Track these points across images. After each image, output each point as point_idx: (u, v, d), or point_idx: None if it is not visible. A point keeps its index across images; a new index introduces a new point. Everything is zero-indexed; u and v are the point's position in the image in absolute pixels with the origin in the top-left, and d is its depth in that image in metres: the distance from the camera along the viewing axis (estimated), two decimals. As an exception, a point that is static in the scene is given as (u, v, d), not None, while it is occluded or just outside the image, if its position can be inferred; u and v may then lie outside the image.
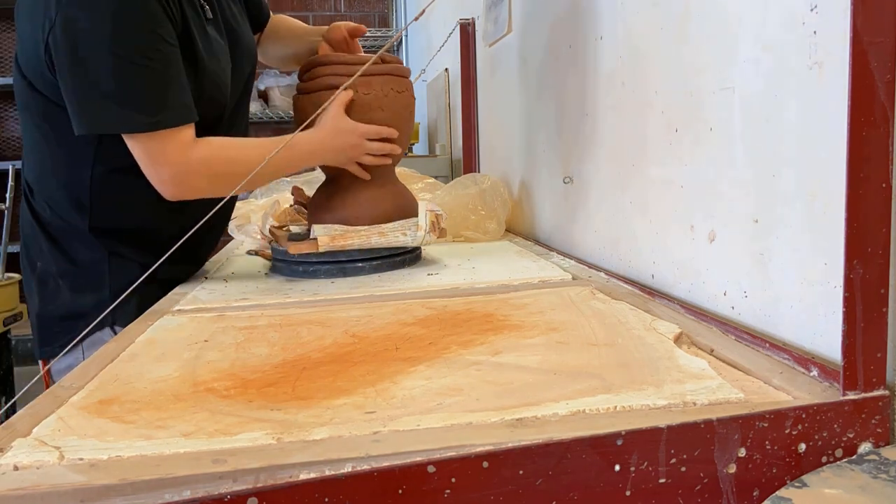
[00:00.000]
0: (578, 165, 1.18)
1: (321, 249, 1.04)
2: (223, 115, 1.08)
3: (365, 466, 0.43)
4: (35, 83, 0.97)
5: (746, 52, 0.70)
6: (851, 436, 0.50)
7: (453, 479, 0.44)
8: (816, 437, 0.49)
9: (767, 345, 0.63)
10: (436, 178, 1.67)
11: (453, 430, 0.48)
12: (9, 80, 3.35)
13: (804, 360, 0.58)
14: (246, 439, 0.48)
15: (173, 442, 0.48)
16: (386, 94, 1.07)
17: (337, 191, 1.13)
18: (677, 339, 0.67)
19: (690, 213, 0.82)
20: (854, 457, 0.50)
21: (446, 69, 2.35)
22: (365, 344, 0.69)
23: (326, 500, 0.43)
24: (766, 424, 0.48)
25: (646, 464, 0.47)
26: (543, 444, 0.45)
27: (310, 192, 1.23)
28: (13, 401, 0.95)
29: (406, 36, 3.84)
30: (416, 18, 1.01)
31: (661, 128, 0.88)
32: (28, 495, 0.42)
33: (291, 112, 1.54)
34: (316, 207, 1.14)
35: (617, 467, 0.47)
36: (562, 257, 1.18)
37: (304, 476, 0.43)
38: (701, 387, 0.54)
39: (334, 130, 1.03)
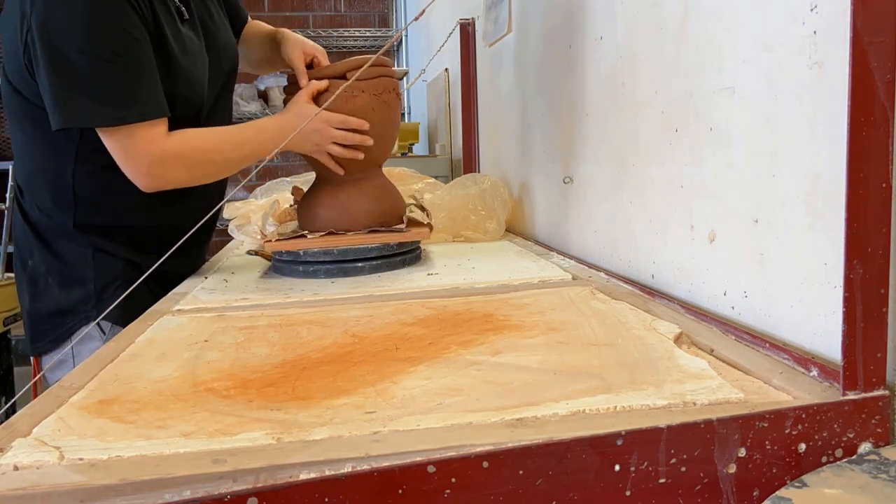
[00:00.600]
0: (578, 165, 1.18)
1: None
2: (200, 112, 1.09)
3: (365, 466, 0.43)
4: (17, 86, 1.00)
5: (746, 52, 0.70)
6: (851, 436, 0.50)
7: (453, 479, 0.44)
8: (816, 437, 0.49)
9: (767, 345, 0.63)
10: (436, 178, 1.67)
11: (453, 430, 0.48)
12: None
13: (804, 360, 0.58)
14: (246, 439, 0.48)
15: (173, 442, 0.48)
16: (357, 96, 1.07)
17: (324, 190, 1.14)
18: (677, 339, 0.67)
19: (690, 213, 0.82)
20: (854, 457, 0.50)
21: (446, 69, 2.35)
22: (365, 344, 0.69)
23: (326, 500, 0.43)
24: (766, 424, 0.48)
25: (646, 464, 0.47)
26: (543, 444, 0.45)
27: (309, 192, 1.23)
28: (13, 401, 0.96)
29: (406, 36, 3.84)
30: (416, 18, 1.01)
31: (661, 128, 0.88)
32: (28, 495, 0.42)
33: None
34: (304, 206, 1.16)
35: (617, 467, 0.47)
36: (562, 257, 1.18)
37: (304, 476, 0.43)
38: (701, 387, 0.54)
39: (298, 114, 1.05)
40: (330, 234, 1.09)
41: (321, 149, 1.08)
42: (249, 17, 1.36)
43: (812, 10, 0.60)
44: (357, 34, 3.82)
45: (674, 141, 0.85)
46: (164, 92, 0.99)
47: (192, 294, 0.99)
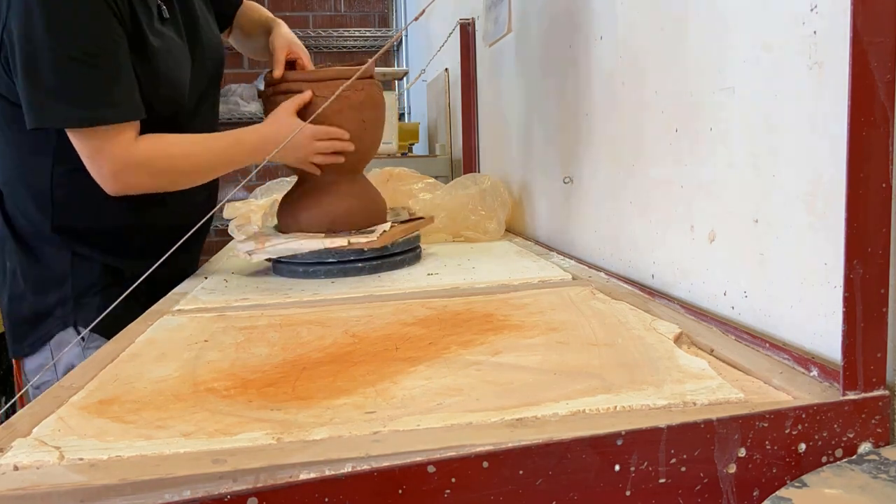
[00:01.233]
0: (578, 165, 1.18)
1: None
2: (181, 112, 1.08)
3: (365, 466, 0.43)
4: None
5: (746, 52, 0.70)
6: (851, 436, 0.50)
7: (453, 479, 0.44)
8: (816, 437, 0.49)
9: (767, 345, 0.63)
10: (436, 178, 1.67)
11: (453, 430, 0.48)
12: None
13: (804, 360, 0.58)
14: (246, 439, 0.48)
15: (173, 442, 0.48)
16: (340, 106, 1.04)
17: (304, 191, 1.14)
18: (677, 339, 0.67)
19: (690, 213, 0.82)
20: (854, 457, 0.50)
21: (446, 69, 2.35)
22: (365, 344, 0.69)
23: (326, 500, 0.43)
24: (766, 424, 0.48)
25: (646, 464, 0.47)
26: (543, 444, 0.45)
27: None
28: (13, 401, 0.96)
29: (406, 36, 3.84)
30: (416, 18, 1.01)
31: (661, 128, 0.88)
32: (28, 495, 0.42)
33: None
34: (284, 206, 1.16)
35: (617, 467, 0.47)
36: (562, 257, 1.18)
37: (304, 476, 0.43)
38: (701, 387, 0.54)
39: (280, 125, 1.04)
40: (294, 238, 1.08)
41: (305, 161, 1.08)
42: (245, 0, 1.33)
43: (812, 10, 0.60)
44: (357, 34, 3.82)
45: (674, 141, 0.85)
46: (144, 92, 0.98)
47: (192, 294, 0.99)
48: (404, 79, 3.35)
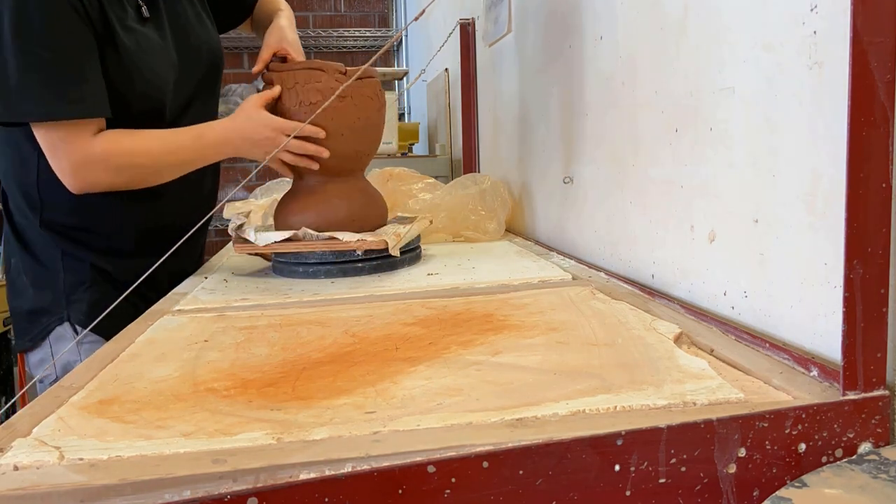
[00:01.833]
0: (578, 166, 1.18)
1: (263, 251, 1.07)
2: (164, 111, 1.08)
3: (365, 466, 0.43)
4: None
5: (746, 52, 0.70)
6: (851, 436, 0.50)
7: (453, 479, 0.44)
8: (816, 437, 0.49)
9: (767, 345, 0.63)
10: (436, 178, 1.67)
11: (453, 430, 0.48)
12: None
13: (804, 360, 0.58)
14: (246, 439, 0.48)
15: (173, 442, 0.48)
16: (318, 102, 1.02)
17: (301, 193, 1.13)
18: (677, 339, 0.67)
19: (690, 213, 0.82)
20: (854, 457, 0.50)
21: (446, 69, 2.35)
22: (365, 344, 0.69)
23: (326, 500, 0.43)
24: (766, 424, 0.48)
25: (646, 464, 0.47)
26: (543, 444, 0.45)
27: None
28: (13, 401, 0.96)
29: (406, 36, 3.84)
30: (416, 18, 1.01)
31: (661, 128, 0.88)
32: (28, 495, 0.42)
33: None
34: (281, 206, 1.15)
35: (617, 467, 0.47)
36: (562, 257, 1.18)
37: (304, 476, 0.43)
38: (701, 387, 0.54)
39: (247, 120, 1.02)
40: (288, 240, 1.07)
41: (274, 159, 1.05)
42: None
43: (812, 10, 0.60)
44: (357, 34, 3.82)
45: (674, 141, 0.85)
46: (118, 90, 0.98)
47: (192, 294, 0.99)
48: (404, 79, 3.35)
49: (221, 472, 0.43)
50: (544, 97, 1.34)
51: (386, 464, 0.44)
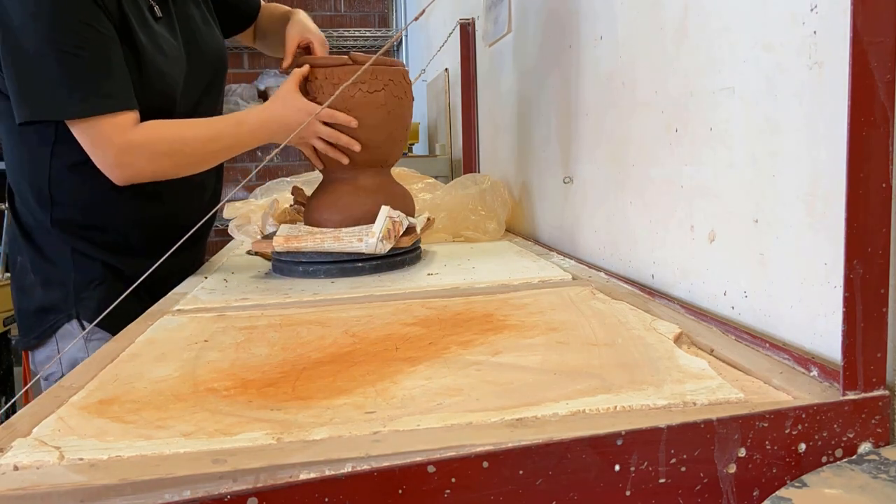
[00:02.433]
0: (578, 165, 1.18)
1: (277, 250, 1.06)
2: (175, 112, 1.08)
3: (365, 466, 0.43)
4: None
5: (746, 52, 0.70)
6: (851, 436, 0.50)
7: (453, 479, 0.44)
8: (816, 437, 0.49)
9: (767, 345, 0.63)
10: (436, 178, 1.67)
11: (453, 430, 0.48)
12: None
13: (804, 360, 0.58)
14: (246, 439, 0.48)
15: (173, 442, 0.48)
16: (353, 94, 1.04)
17: (326, 190, 1.14)
18: (677, 339, 0.67)
19: (690, 213, 0.82)
20: (854, 457, 0.50)
21: (446, 69, 2.35)
22: (365, 344, 0.69)
23: (326, 500, 0.43)
24: (766, 424, 0.48)
25: (646, 464, 0.47)
26: (543, 444, 0.45)
27: (309, 191, 1.23)
28: (13, 401, 0.96)
29: (406, 36, 3.84)
30: (416, 18, 1.01)
31: (661, 128, 0.88)
32: (28, 495, 0.42)
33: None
34: (308, 206, 1.16)
35: (617, 467, 0.47)
36: (562, 257, 1.18)
37: (304, 476, 0.43)
38: (701, 387, 0.54)
39: (283, 105, 1.03)
40: (293, 236, 1.07)
41: (304, 141, 1.07)
42: (263, 2, 1.34)
43: (812, 10, 0.60)
44: (357, 34, 3.83)
45: (674, 141, 0.85)
46: (134, 86, 0.98)
47: (192, 294, 0.99)
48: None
49: (221, 472, 0.43)
50: (544, 97, 1.34)
51: (386, 464, 0.44)
